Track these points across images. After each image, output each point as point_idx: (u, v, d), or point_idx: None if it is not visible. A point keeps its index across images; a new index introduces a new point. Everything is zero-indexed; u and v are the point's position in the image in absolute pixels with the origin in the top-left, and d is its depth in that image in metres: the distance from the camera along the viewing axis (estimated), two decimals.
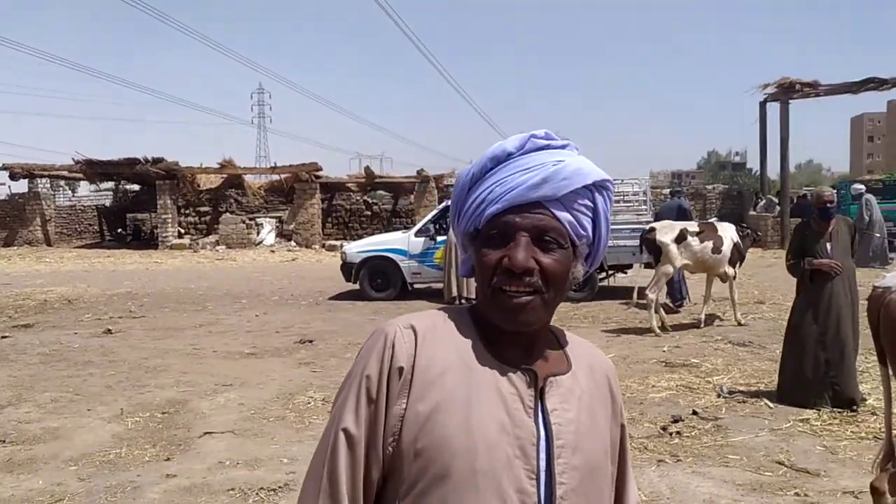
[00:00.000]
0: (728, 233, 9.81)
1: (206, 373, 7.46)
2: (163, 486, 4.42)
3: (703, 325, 9.76)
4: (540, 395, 1.13)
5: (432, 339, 1.14)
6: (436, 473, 1.06)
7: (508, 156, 1.16)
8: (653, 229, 9.72)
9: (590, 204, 1.16)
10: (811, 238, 6.04)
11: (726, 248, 9.61)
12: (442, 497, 1.06)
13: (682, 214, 11.96)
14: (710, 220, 10.26)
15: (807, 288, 6.04)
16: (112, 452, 5.04)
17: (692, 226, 9.88)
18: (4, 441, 5.32)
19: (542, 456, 1.10)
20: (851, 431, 5.27)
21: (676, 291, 11.58)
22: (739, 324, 9.70)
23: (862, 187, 15.17)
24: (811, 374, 5.88)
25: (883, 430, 3.69)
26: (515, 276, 1.09)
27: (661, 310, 9.79)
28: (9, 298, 13.70)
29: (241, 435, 5.43)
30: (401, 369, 1.11)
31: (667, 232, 9.55)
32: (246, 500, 4.21)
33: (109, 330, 10.08)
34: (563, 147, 1.18)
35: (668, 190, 19.46)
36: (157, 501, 4.22)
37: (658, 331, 9.18)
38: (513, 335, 1.15)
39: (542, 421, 1.12)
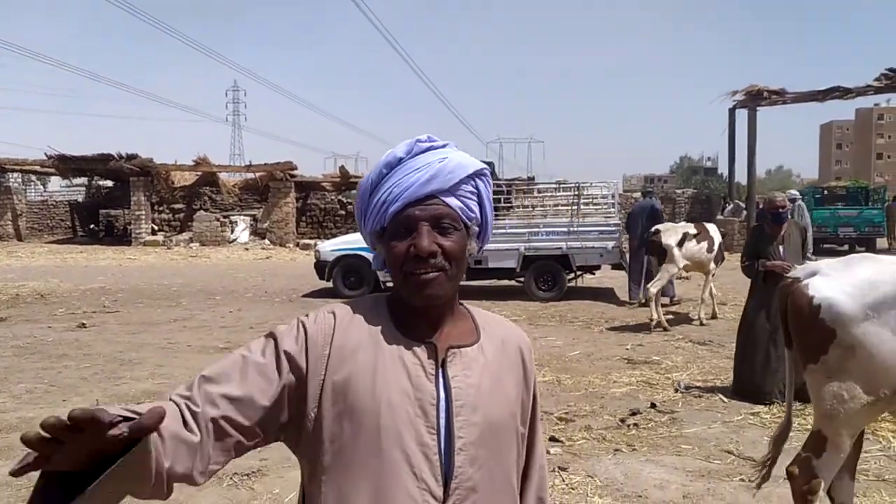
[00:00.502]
0: (717, 233, 10.59)
1: (181, 366, 7.60)
2: None
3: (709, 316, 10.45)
4: (443, 365, 1.32)
5: (349, 322, 1.35)
6: (349, 432, 1.27)
7: (399, 160, 1.35)
8: (657, 231, 10.31)
9: (474, 190, 1.38)
10: (764, 241, 6.35)
11: (716, 247, 10.37)
12: (354, 450, 1.27)
13: (654, 214, 12.30)
14: (702, 222, 11.07)
15: (759, 288, 6.34)
16: None
17: (691, 228, 10.48)
18: None
19: (443, 415, 1.28)
20: (798, 424, 5.53)
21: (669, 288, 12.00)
22: (701, 323, 10.08)
23: (797, 194, 16.05)
24: (763, 371, 6.18)
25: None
26: (423, 260, 1.29)
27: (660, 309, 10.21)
28: None
29: None
30: (314, 344, 1.29)
31: (671, 235, 10.13)
32: (220, 484, 4.38)
33: (83, 324, 10.15)
34: (443, 146, 1.39)
35: (640, 191, 19.86)
36: None
37: (665, 324, 9.76)
38: (421, 315, 1.35)
39: (443, 386, 1.30)
